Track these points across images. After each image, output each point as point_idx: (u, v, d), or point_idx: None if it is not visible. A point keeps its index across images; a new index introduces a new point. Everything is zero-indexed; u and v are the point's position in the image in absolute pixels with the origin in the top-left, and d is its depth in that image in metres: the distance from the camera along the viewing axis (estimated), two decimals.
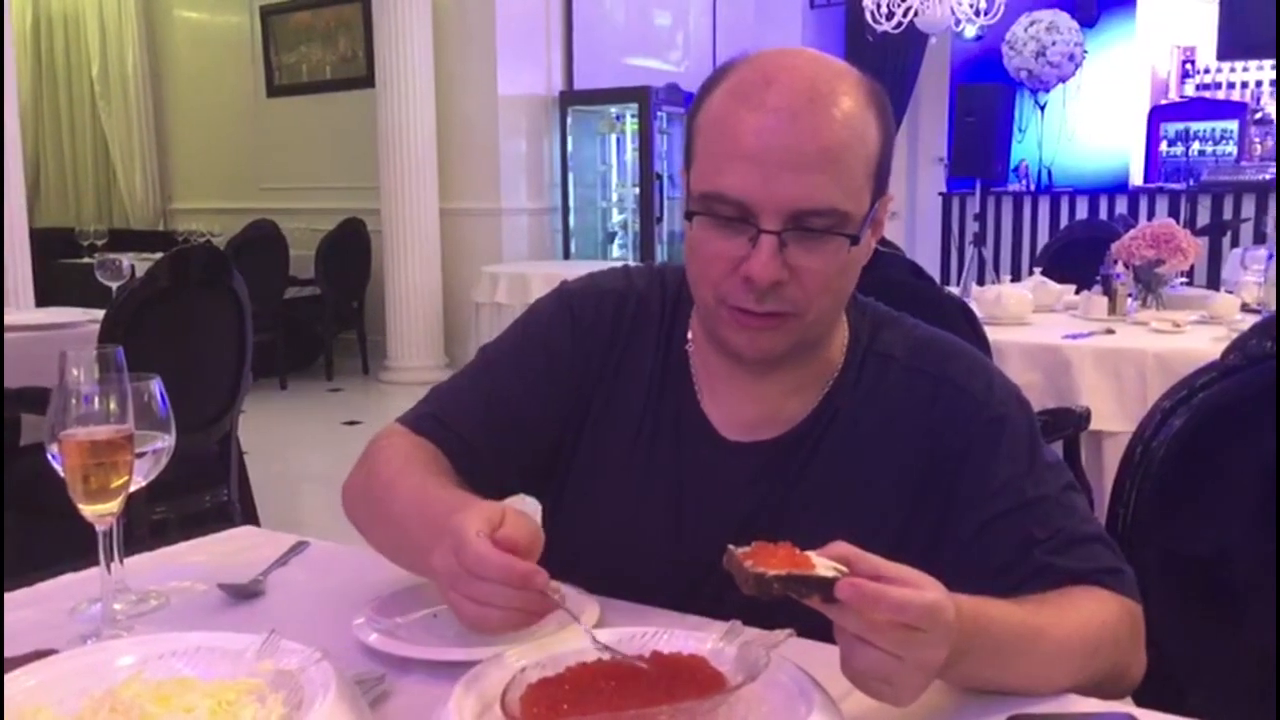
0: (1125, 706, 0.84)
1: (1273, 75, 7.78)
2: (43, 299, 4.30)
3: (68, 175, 8.88)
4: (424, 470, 1.06)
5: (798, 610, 0.77)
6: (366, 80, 6.76)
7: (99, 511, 1.00)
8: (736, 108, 0.95)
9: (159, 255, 3.08)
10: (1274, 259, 3.44)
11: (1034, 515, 0.99)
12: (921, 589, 0.76)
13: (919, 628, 0.74)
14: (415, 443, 1.11)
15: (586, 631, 0.82)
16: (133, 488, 1.02)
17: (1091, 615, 0.92)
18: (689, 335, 1.13)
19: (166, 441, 1.07)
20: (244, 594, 1.10)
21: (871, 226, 1.01)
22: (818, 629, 0.79)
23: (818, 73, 0.96)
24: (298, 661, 0.75)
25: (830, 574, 0.74)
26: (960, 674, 0.84)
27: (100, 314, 2.91)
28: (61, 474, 1.00)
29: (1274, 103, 7.76)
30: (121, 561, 1.05)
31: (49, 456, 1.00)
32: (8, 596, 1.09)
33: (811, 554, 0.76)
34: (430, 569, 0.86)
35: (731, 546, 0.77)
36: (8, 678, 0.73)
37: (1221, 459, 1.23)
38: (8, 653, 0.87)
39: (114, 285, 3.58)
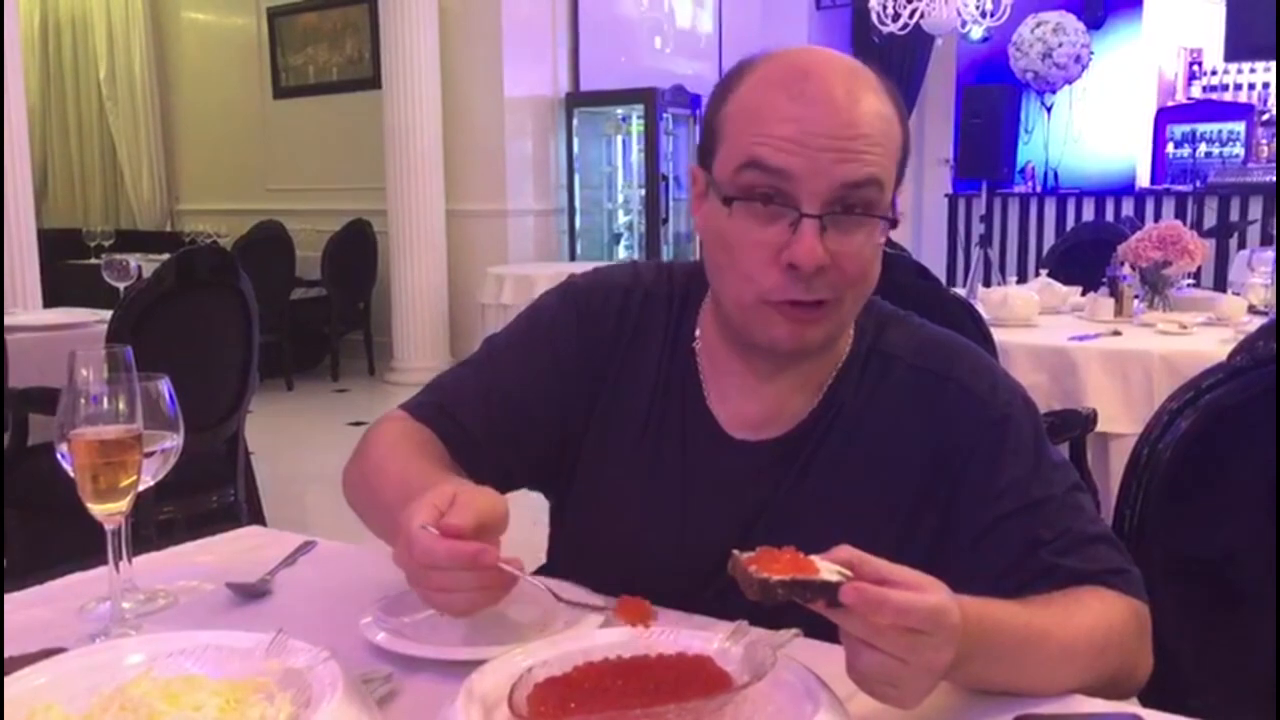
0: (1131, 707, 0.84)
1: None
2: (50, 299, 4.31)
3: (75, 176, 8.90)
4: (411, 452, 1.07)
5: (803, 610, 0.77)
6: (373, 81, 6.77)
7: (108, 511, 1.00)
8: (774, 95, 0.96)
9: (166, 256, 3.09)
10: (1275, 255, 3.43)
11: (1040, 516, 0.99)
12: (925, 592, 0.76)
13: (923, 631, 0.74)
14: (410, 427, 1.12)
15: (534, 582, 0.87)
16: (141, 487, 1.02)
17: (1098, 616, 0.92)
18: (697, 333, 1.13)
19: (175, 441, 1.07)
20: (252, 593, 1.10)
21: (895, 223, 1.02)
22: (824, 629, 0.79)
23: (849, 69, 0.98)
24: (305, 660, 0.76)
25: (835, 578, 0.74)
26: (966, 675, 0.84)
27: (107, 314, 2.92)
28: (71, 473, 1.00)
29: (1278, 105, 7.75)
30: (130, 561, 1.05)
31: (58, 456, 1.01)
32: (17, 596, 1.09)
33: (815, 558, 0.76)
34: (394, 555, 0.90)
35: (736, 552, 0.77)
36: (17, 676, 0.74)
37: (1228, 461, 1.23)
38: (17, 651, 0.87)
39: (121, 286, 3.59)
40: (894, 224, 1.00)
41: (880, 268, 1.03)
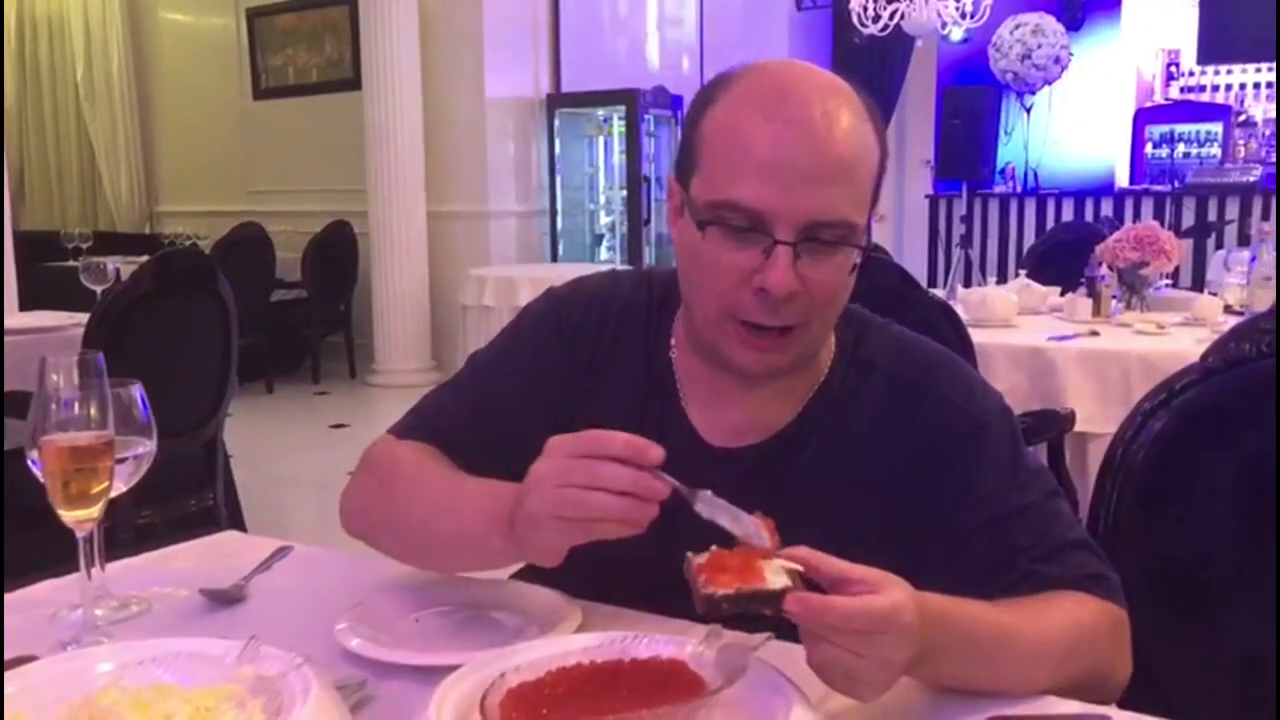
0: (1103, 708, 0.84)
1: (1257, 78, 7.83)
2: (27, 303, 4.27)
3: (52, 178, 8.83)
4: (442, 464, 1.08)
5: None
6: (353, 83, 6.74)
7: (79, 518, 0.99)
8: (750, 116, 0.96)
9: (145, 258, 3.07)
10: (1274, 255, 3.45)
11: (1018, 524, 0.99)
12: (877, 593, 0.76)
13: (874, 632, 0.75)
14: (419, 446, 1.11)
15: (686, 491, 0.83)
16: (113, 493, 1.02)
17: (1067, 615, 0.93)
18: (672, 341, 1.13)
19: (147, 447, 1.06)
20: (226, 599, 1.09)
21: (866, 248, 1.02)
22: (797, 632, 0.79)
23: (827, 86, 0.98)
24: (278, 667, 0.75)
25: (783, 585, 0.75)
26: (934, 673, 0.84)
27: (85, 318, 2.90)
28: (41, 479, 0.99)
29: (1258, 105, 7.81)
30: (103, 567, 1.04)
31: (29, 462, 1.00)
32: None
33: (767, 563, 0.77)
34: (530, 479, 0.86)
35: (690, 554, 0.78)
36: None
37: (1201, 461, 1.24)
38: None
39: (99, 289, 3.57)
40: (867, 251, 1.00)
41: (851, 289, 1.03)
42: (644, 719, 0.71)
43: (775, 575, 0.76)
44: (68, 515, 0.99)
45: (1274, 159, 7.31)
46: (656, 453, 0.82)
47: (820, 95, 0.96)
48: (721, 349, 1.02)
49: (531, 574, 1.14)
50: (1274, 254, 3.42)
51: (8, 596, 1.11)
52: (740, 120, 0.96)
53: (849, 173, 0.96)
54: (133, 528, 2.55)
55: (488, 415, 1.12)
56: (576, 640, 0.83)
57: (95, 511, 1.00)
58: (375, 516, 1.10)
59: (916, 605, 0.78)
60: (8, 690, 0.73)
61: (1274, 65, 7.16)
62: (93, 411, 0.99)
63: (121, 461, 1.02)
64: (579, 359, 1.13)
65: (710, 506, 0.82)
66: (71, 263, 5.37)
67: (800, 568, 0.76)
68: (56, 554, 1.13)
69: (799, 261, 0.95)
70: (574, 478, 0.83)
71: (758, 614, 0.75)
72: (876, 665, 0.76)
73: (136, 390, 1.05)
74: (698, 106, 1.02)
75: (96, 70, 8.32)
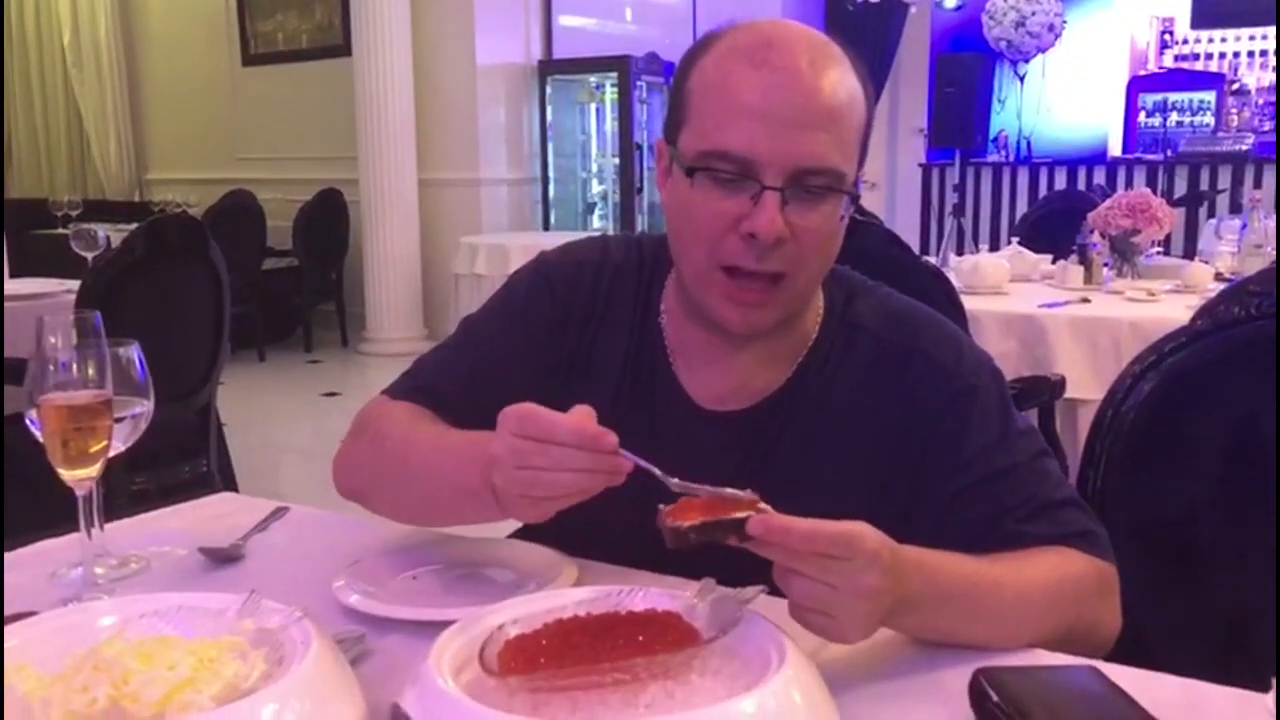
0: (1091, 662, 0.86)
1: (1251, 46, 7.81)
2: (17, 270, 4.25)
3: (40, 146, 8.75)
4: (434, 423, 1.09)
5: (767, 568, 0.79)
6: (343, 49, 6.69)
7: (78, 476, 1.00)
8: (737, 66, 0.97)
9: (135, 226, 3.06)
10: (1266, 222, 3.47)
11: (1006, 484, 1.00)
12: (842, 528, 0.78)
13: (839, 556, 0.77)
14: (411, 406, 1.12)
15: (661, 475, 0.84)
16: (111, 453, 1.02)
17: (1052, 568, 0.94)
18: (662, 306, 1.14)
19: (145, 406, 1.07)
20: (224, 558, 1.10)
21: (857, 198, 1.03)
22: None
23: (813, 38, 0.99)
24: (278, 620, 0.76)
25: (744, 514, 0.78)
26: (917, 623, 0.86)
27: (76, 284, 2.89)
28: (40, 439, 1.00)
29: (1252, 74, 7.79)
30: (102, 527, 1.05)
31: (28, 422, 1.00)
32: None
33: (729, 501, 0.80)
34: (489, 457, 0.86)
35: (661, 506, 0.80)
36: None
37: (1189, 422, 1.26)
38: None
39: (89, 256, 3.56)
40: (856, 199, 1.01)
41: (840, 245, 1.04)
42: (640, 667, 0.72)
43: (740, 511, 0.78)
44: (67, 474, 1.00)
45: (1266, 128, 7.31)
46: (610, 440, 0.83)
47: (807, 45, 0.98)
48: (708, 304, 1.03)
49: (527, 533, 1.16)
50: (1264, 221, 3.44)
51: (6, 556, 1.12)
52: (728, 71, 0.98)
53: (836, 120, 0.97)
54: (128, 494, 2.56)
55: (479, 377, 1.13)
56: (573, 594, 0.84)
57: (94, 470, 1.00)
58: (368, 475, 1.10)
59: (890, 548, 0.80)
60: (12, 642, 0.74)
61: (1268, 31, 7.14)
62: (90, 371, 0.99)
63: (120, 421, 1.03)
64: (570, 322, 1.14)
65: (685, 485, 0.83)
66: (61, 230, 5.34)
67: (766, 506, 0.79)
68: (54, 517, 1.14)
69: (787, 208, 0.96)
70: (531, 460, 0.83)
71: (723, 542, 0.78)
72: (849, 595, 0.78)
73: (134, 350, 1.05)
74: (685, 64, 1.03)
75: (84, 36, 8.24)
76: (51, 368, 0.99)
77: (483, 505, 0.91)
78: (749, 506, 0.79)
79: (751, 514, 0.78)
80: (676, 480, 0.83)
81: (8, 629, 0.76)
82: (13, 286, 3.49)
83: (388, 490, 1.09)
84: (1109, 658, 1.00)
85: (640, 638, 0.74)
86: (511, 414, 0.86)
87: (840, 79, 0.97)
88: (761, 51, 0.96)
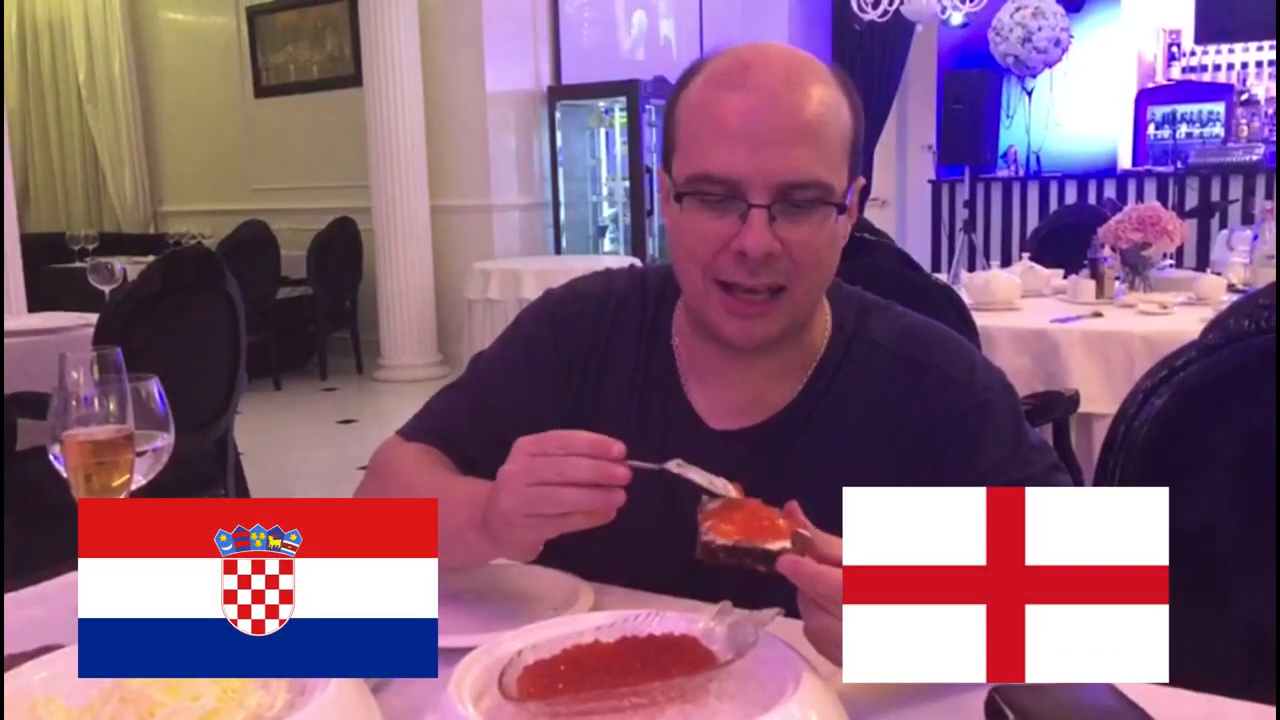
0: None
1: (1259, 56, 7.81)
2: (35, 304, 4.30)
3: (56, 180, 8.85)
4: (439, 467, 1.11)
5: (785, 590, 0.79)
6: (354, 79, 6.75)
7: None
8: (717, 91, 1.00)
9: (151, 258, 3.09)
10: (1274, 231, 3.45)
11: None
12: None
13: None
14: (421, 448, 1.15)
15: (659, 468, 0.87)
16: (134, 486, 1.04)
17: None
18: (674, 330, 1.15)
19: (166, 440, 1.08)
20: None
21: (847, 210, 1.04)
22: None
23: (791, 57, 1.02)
24: None
25: (778, 547, 0.78)
26: None
27: (94, 318, 2.92)
28: (64, 474, 1.01)
29: (1260, 84, 7.79)
30: None
31: (51, 458, 1.02)
32: (11, 597, 1.10)
33: (774, 521, 0.81)
34: (499, 479, 0.89)
35: (705, 498, 0.82)
36: (17, 672, 0.75)
37: (1202, 436, 1.26)
38: (15, 650, 0.88)
39: (106, 289, 3.59)
40: (842, 210, 1.02)
41: (838, 253, 1.06)
42: (658, 691, 0.72)
43: (776, 539, 0.79)
44: None
45: (1275, 138, 7.29)
46: (619, 448, 0.85)
47: (783, 64, 1.00)
48: (710, 320, 1.05)
49: (542, 559, 1.16)
50: (1274, 232, 3.43)
51: (30, 591, 1.13)
52: (708, 97, 1.00)
53: (817, 134, 0.98)
54: None
55: (489, 416, 1.15)
56: (590, 619, 0.85)
57: None
58: None
59: None
60: (40, 674, 0.75)
61: (1274, 43, 7.14)
62: (112, 406, 1.01)
63: (141, 455, 1.04)
64: (576, 357, 1.16)
65: (682, 468, 0.86)
66: (78, 264, 5.40)
67: (806, 532, 0.80)
68: (73, 554, 1.15)
69: (775, 224, 0.98)
70: (542, 475, 0.86)
71: (750, 569, 0.79)
72: None
73: (154, 385, 1.07)
74: (674, 93, 1.06)
75: (99, 72, 8.34)
76: (74, 403, 1.01)
77: (467, 546, 0.94)
78: (786, 533, 0.80)
79: (786, 546, 0.79)
80: (676, 461, 0.86)
81: (35, 662, 0.77)
82: (32, 321, 3.53)
83: None
84: None
85: (657, 662, 0.74)
86: (529, 438, 0.89)
87: (820, 94, 0.99)
88: (739, 74, 0.99)
